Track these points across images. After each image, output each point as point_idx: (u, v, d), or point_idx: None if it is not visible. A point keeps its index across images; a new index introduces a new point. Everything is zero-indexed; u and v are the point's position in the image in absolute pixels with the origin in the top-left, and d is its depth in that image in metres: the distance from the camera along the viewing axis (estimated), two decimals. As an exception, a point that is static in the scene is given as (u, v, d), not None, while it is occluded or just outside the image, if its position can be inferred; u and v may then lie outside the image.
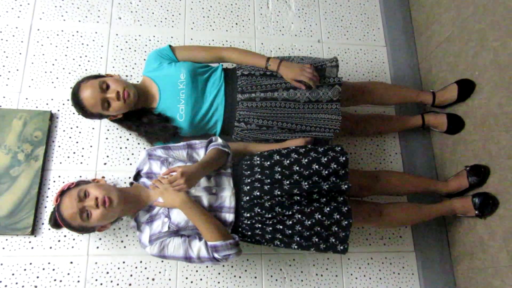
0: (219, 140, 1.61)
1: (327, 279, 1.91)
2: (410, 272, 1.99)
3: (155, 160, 1.61)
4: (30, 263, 1.73)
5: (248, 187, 1.54)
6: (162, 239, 1.50)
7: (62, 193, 1.50)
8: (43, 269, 1.73)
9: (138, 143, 1.95)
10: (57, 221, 1.52)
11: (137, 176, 1.65)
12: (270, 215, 1.51)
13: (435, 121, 2.06)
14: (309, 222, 1.51)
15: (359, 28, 2.39)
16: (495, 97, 1.79)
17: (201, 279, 1.82)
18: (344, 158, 1.57)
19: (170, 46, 1.79)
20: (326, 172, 1.55)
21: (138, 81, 2.01)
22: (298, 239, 1.55)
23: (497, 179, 1.77)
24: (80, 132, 1.92)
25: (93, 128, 1.94)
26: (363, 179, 1.80)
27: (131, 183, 1.65)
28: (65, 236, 1.78)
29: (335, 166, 1.56)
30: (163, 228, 1.50)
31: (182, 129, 1.72)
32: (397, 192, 1.93)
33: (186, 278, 1.81)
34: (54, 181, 1.84)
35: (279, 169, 1.57)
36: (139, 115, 1.74)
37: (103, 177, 1.62)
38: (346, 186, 1.53)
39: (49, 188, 1.82)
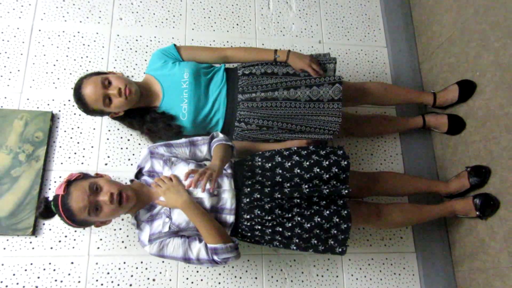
0: (221, 135, 1.61)
1: (328, 280, 1.91)
2: (410, 273, 1.99)
3: (158, 159, 1.60)
4: (31, 264, 1.74)
5: (248, 189, 1.54)
6: (162, 239, 1.50)
7: (69, 184, 1.42)
8: (44, 269, 1.74)
9: (139, 144, 1.95)
10: (48, 211, 1.43)
11: (139, 173, 1.65)
12: (269, 217, 1.51)
13: (436, 121, 2.06)
14: (309, 225, 1.51)
15: (360, 29, 2.39)
16: (496, 98, 1.79)
17: (201, 280, 1.82)
18: (345, 162, 1.57)
19: (175, 45, 1.79)
20: (327, 176, 1.55)
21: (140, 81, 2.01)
22: (297, 240, 1.55)
23: (498, 180, 1.76)
24: (81, 133, 1.93)
25: (94, 129, 1.94)
26: (363, 180, 1.80)
27: (132, 180, 1.64)
28: (65, 236, 1.78)
29: (336, 170, 1.56)
30: (163, 228, 1.49)
31: (185, 128, 1.73)
32: (397, 193, 1.92)
33: (187, 278, 1.82)
34: (55, 182, 1.84)
35: (280, 171, 1.56)
36: (142, 113, 1.75)
37: (107, 175, 1.60)
38: (346, 191, 1.53)
39: (50, 189, 1.83)
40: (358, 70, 2.31)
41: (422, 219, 1.86)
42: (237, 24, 2.27)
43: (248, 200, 1.52)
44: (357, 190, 1.77)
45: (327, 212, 1.53)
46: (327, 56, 1.83)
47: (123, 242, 1.81)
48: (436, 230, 2.04)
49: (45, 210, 1.44)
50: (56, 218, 1.46)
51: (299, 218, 1.52)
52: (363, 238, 2.00)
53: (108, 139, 1.94)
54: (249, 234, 1.57)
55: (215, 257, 1.46)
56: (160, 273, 1.80)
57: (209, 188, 1.39)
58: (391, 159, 2.17)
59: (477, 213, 1.79)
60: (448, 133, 2.04)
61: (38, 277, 1.73)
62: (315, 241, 1.55)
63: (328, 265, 1.93)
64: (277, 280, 1.87)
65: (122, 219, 1.82)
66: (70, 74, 2.01)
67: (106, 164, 1.91)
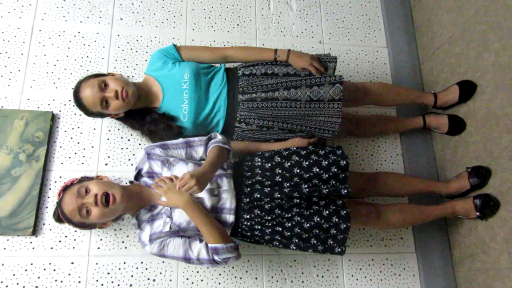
0: (219, 137, 1.59)
1: (328, 280, 1.91)
2: (411, 273, 1.98)
3: (155, 160, 1.60)
4: (31, 264, 1.74)
5: (248, 189, 1.54)
6: (163, 239, 1.50)
7: (65, 189, 1.50)
8: (44, 269, 1.74)
9: (139, 144, 1.95)
10: (60, 216, 1.52)
11: (138, 175, 1.65)
12: (269, 217, 1.52)
13: (437, 122, 2.06)
14: (308, 225, 1.52)
15: (360, 29, 2.39)
16: (496, 98, 1.79)
17: (201, 280, 1.82)
18: (344, 162, 1.58)
19: (174, 45, 1.79)
20: (326, 175, 1.55)
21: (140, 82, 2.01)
22: (296, 240, 1.55)
23: (498, 180, 1.76)
24: (81, 133, 1.93)
25: (94, 129, 1.94)
26: (362, 180, 1.80)
27: (131, 182, 1.65)
28: (66, 236, 1.78)
29: (335, 169, 1.56)
30: (164, 228, 1.50)
31: (186, 129, 1.73)
32: (397, 193, 1.92)
33: (187, 279, 1.82)
34: (55, 182, 1.84)
35: (280, 171, 1.56)
36: (143, 114, 1.75)
37: (107, 177, 1.61)
38: (345, 191, 1.53)
39: (50, 189, 1.83)
40: (359, 71, 2.31)
41: (422, 220, 1.86)
42: (238, 25, 2.27)
43: (248, 200, 1.52)
44: (356, 190, 1.77)
45: (327, 212, 1.53)
46: (328, 56, 1.83)
47: (123, 242, 1.81)
48: (436, 230, 2.04)
49: (57, 215, 1.53)
50: None
51: (298, 218, 1.52)
52: (363, 238, 2.00)
53: (108, 139, 1.94)
54: (249, 234, 1.57)
55: (216, 257, 1.46)
56: (160, 273, 1.80)
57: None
58: (391, 160, 2.17)
59: (477, 213, 1.78)
60: (448, 133, 2.04)
61: (38, 277, 1.73)
62: (315, 241, 1.55)
63: (328, 266, 1.93)
64: (277, 281, 1.87)
65: (122, 219, 1.82)
66: (71, 74, 2.01)
67: (106, 164, 1.91)
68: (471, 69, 1.95)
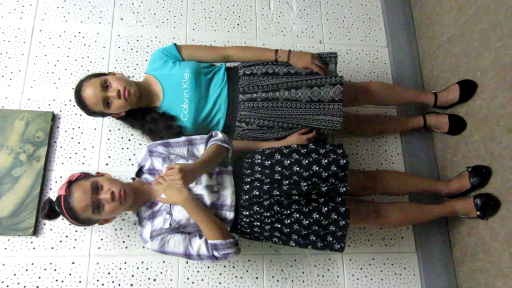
0: (219, 135, 1.60)
1: (329, 280, 1.91)
2: (411, 273, 1.98)
3: (157, 157, 1.61)
4: (32, 264, 1.74)
5: (247, 186, 1.55)
6: (163, 235, 1.51)
7: (70, 184, 1.45)
8: (45, 269, 1.74)
9: (140, 144, 1.95)
10: (52, 211, 1.47)
11: (139, 172, 1.66)
12: (268, 214, 1.52)
13: (437, 121, 2.06)
14: (307, 222, 1.52)
15: (360, 29, 2.39)
16: (497, 98, 1.79)
17: (202, 280, 1.82)
18: (344, 161, 1.58)
19: (175, 44, 1.79)
20: (326, 174, 1.56)
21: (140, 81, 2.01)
22: (296, 237, 1.56)
23: (499, 180, 1.76)
24: (82, 133, 1.93)
25: (95, 129, 1.94)
26: (362, 178, 1.81)
27: (133, 179, 1.65)
28: (66, 236, 1.78)
29: (335, 168, 1.56)
30: (164, 225, 1.50)
31: (186, 128, 1.73)
32: (397, 192, 1.92)
33: (188, 278, 1.82)
34: (56, 182, 1.84)
35: (279, 169, 1.57)
36: (143, 113, 1.75)
37: (108, 174, 1.61)
38: (344, 189, 1.53)
39: (51, 189, 1.83)
40: (359, 70, 2.31)
41: (422, 219, 1.86)
42: (238, 24, 2.27)
43: (247, 196, 1.53)
44: (357, 188, 1.78)
45: (326, 209, 1.53)
46: (328, 53, 1.84)
47: (124, 242, 1.81)
48: (437, 230, 2.04)
49: (50, 211, 1.48)
50: (60, 217, 1.49)
51: (297, 215, 1.53)
52: (364, 238, 2.00)
53: (109, 139, 1.94)
54: (248, 230, 1.58)
55: (215, 253, 1.47)
56: (161, 273, 1.80)
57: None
58: (392, 159, 2.17)
59: (478, 213, 1.78)
60: (449, 133, 2.04)
61: (39, 277, 1.73)
62: (314, 238, 1.56)
63: (329, 265, 1.93)
64: (278, 280, 1.87)
65: (123, 219, 1.83)
66: (71, 74, 2.02)
67: (107, 164, 1.91)
68: (472, 69, 1.94)
